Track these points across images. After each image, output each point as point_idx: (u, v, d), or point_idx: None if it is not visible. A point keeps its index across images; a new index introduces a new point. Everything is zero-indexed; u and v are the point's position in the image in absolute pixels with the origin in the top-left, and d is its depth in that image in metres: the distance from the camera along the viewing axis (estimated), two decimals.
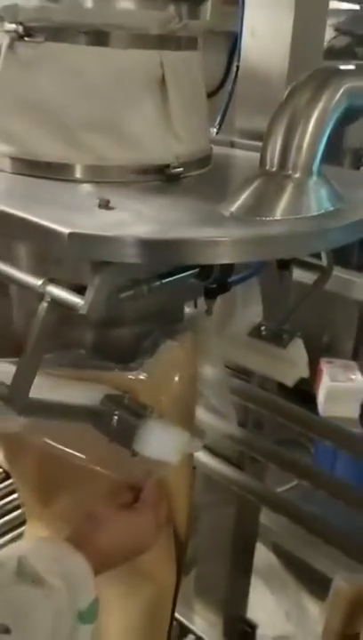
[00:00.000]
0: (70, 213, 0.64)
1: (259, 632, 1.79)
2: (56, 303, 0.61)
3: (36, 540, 0.76)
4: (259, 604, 1.90)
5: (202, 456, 1.37)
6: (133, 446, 0.73)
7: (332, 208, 0.68)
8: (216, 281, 0.79)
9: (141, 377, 0.75)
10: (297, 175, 0.66)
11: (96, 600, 0.72)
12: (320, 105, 0.65)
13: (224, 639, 1.67)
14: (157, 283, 0.71)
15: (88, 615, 0.71)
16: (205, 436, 0.87)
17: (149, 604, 0.92)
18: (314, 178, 0.67)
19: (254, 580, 1.85)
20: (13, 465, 0.96)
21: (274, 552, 2.24)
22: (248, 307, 0.99)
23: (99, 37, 0.72)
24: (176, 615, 1.09)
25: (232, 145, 1.11)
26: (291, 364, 0.93)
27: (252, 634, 1.73)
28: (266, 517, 1.79)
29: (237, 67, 1.46)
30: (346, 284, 2.07)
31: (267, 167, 0.67)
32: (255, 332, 0.97)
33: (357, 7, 3.15)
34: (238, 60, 1.47)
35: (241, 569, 1.73)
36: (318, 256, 1.02)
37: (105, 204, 0.64)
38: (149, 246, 0.60)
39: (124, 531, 0.79)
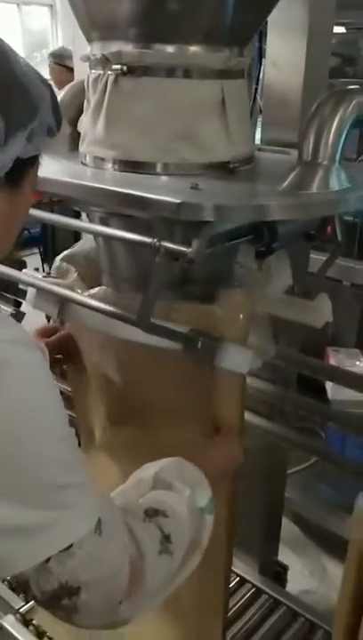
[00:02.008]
0: (170, 193, 0.93)
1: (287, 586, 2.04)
2: (169, 253, 0.89)
3: (160, 461, 0.96)
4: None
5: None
6: (214, 362, 1.01)
7: (348, 185, 0.98)
8: (265, 245, 1.08)
9: (216, 309, 1.05)
10: (325, 162, 0.96)
11: (213, 498, 0.94)
12: (339, 115, 0.95)
13: (261, 577, 1.92)
14: (227, 244, 1.00)
15: (209, 508, 0.93)
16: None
17: None
18: (336, 165, 0.97)
19: (280, 547, 2.11)
20: (91, 399, 1.25)
21: (295, 522, 2.51)
22: (281, 273, 1.28)
23: (179, 72, 1.02)
24: None
25: (259, 150, 1.41)
26: (319, 311, 1.22)
27: (284, 573, 1.99)
28: (290, 491, 2.06)
29: (256, 89, 1.76)
30: (347, 272, 2.41)
31: (304, 158, 0.97)
32: (290, 291, 1.26)
33: (344, 30, 3.52)
34: (256, 83, 1.78)
35: (273, 519, 1.99)
36: None
37: (195, 186, 0.93)
38: (227, 209, 0.89)
39: (221, 452, 1.05)
